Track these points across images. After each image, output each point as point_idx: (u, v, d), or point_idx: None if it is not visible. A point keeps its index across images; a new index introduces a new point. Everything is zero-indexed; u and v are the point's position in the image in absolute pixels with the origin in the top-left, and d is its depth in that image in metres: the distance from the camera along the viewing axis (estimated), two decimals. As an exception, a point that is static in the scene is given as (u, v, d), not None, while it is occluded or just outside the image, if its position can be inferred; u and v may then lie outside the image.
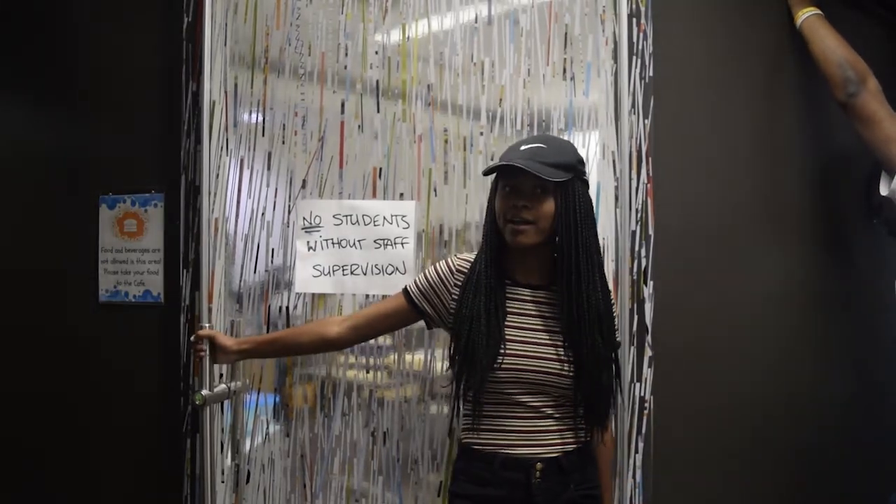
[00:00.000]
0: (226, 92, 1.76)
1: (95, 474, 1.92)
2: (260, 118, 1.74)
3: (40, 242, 2.01)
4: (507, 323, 1.32)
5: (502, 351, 1.29)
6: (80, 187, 1.95)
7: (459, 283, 1.37)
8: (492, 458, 1.31)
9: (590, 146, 1.69)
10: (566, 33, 1.70)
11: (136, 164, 1.90)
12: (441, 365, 1.69)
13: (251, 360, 1.71)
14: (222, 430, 1.73)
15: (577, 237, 1.29)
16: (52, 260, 1.99)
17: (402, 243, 1.66)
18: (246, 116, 1.75)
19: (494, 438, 1.32)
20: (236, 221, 1.75)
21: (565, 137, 1.65)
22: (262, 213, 1.74)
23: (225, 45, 1.76)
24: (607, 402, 1.36)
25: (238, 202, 1.75)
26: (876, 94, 1.62)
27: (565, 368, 1.31)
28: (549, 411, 1.32)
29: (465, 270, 1.37)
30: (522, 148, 1.30)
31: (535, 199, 1.29)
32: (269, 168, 1.74)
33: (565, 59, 1.70)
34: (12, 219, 2.06)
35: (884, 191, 1.63)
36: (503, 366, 1.29)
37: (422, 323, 1.46)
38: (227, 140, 1.76)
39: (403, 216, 1.67)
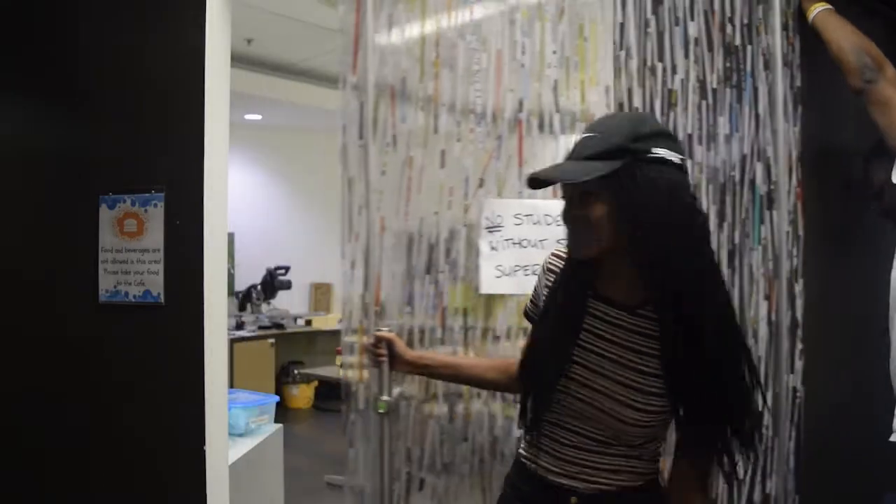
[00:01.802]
0: (392, 86, 1.69)
1: (95, 474, 1.85)
2: (431, 115, 1.69)
3: (40, 242, 1.94)
4: (579, 341, 1.15)
5: (564, 373, 1.15)
6: (81, 187, 1.88)
7: (549, 285, 1.24)
8: (534, 475, 1.21)
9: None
10: (728, 42, 1.78)
11: (136, 164, 1.85)
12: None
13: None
14: (391, 437, 1.66)
15: (646, 240, 1.03)
16: (52, 260, 1.92)
17: (585, 243, 1.66)
18: (413, 112, 1.69)
19: (539, 457, 1.20)
20: (406, 220, 1.69)
21: (731, 143, 1.73)
22: (435, 212, 1.69)
23: (389, 34, 1.69)
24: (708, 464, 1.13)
25: (408, 200, 1.69)
26: (893, 80, 1.65)
27: (633, 417, 1.09)
28: (601, 448, 1.14)
29: (557, 270, 1.23)
30: (575, 140, 1.13)
31: (584, 205, 1.08)
32: (442, 166, 1.69)
33: (728, 67, 1.77)
34: (12, 219, 1.98)
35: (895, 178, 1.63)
36: (558, 388, 1.15)
37: None
38: (394, 137, 1.68)
39: (587, 216, 1.67)
